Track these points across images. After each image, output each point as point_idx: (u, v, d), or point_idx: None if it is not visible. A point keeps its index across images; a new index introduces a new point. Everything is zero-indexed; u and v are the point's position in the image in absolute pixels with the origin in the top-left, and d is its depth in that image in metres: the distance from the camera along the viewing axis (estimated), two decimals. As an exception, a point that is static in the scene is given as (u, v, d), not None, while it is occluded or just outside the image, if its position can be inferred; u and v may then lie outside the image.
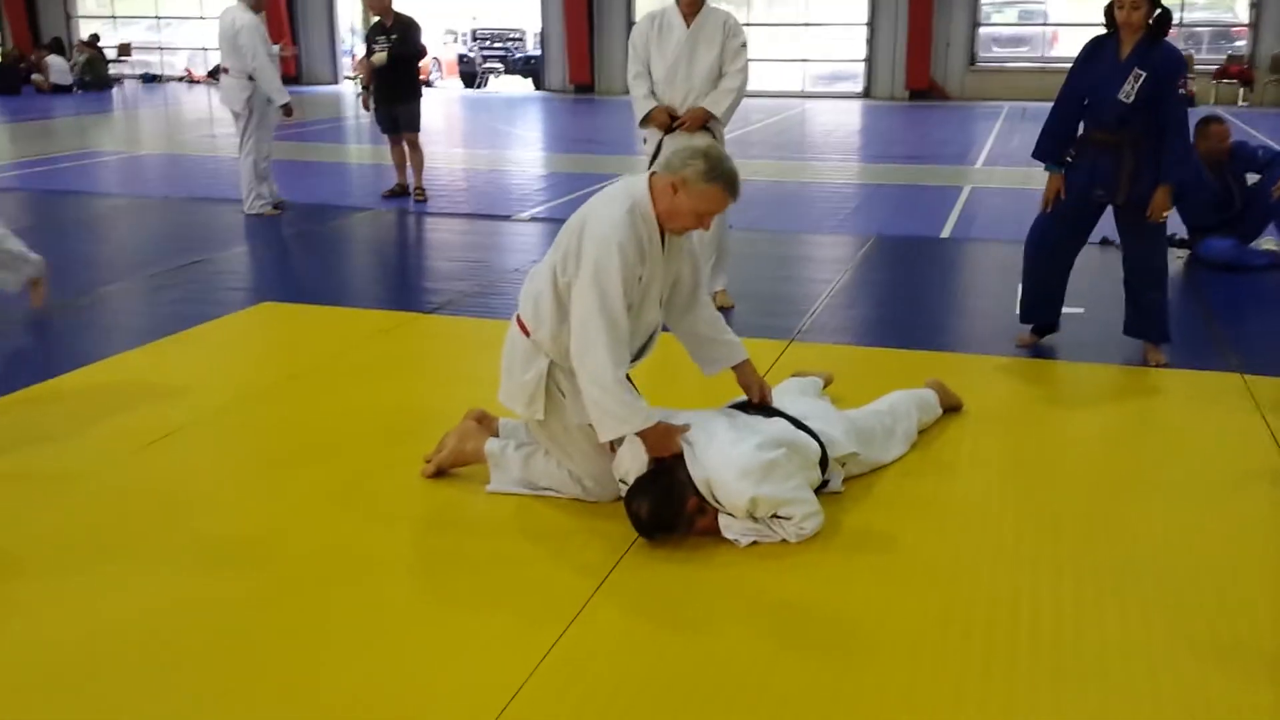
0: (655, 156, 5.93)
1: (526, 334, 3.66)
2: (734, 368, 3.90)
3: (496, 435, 3.99)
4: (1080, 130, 5.27)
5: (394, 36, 9.73)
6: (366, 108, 10.32)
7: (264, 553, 3.46)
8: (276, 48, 9.75)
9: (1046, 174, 5.38)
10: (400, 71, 9.87)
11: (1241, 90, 21.12)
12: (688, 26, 5.91)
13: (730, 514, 3.45)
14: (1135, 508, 3.81)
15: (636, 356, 3.70)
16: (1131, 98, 4.98)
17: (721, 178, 3.48)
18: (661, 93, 6.02)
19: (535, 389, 3.63)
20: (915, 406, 4.37)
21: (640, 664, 2.88)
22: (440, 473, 3.97)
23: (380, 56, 9.73)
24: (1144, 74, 4.95)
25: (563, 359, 3.57)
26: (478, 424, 4.02)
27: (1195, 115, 8.20)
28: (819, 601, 3.19)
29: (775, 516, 3.46)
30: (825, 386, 4.67)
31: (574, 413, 3.62)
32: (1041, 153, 5.36)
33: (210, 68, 28.08)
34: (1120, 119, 5.06)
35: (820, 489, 3.72)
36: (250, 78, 9.06)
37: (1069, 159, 5.26)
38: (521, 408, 3.68)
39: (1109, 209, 5.32)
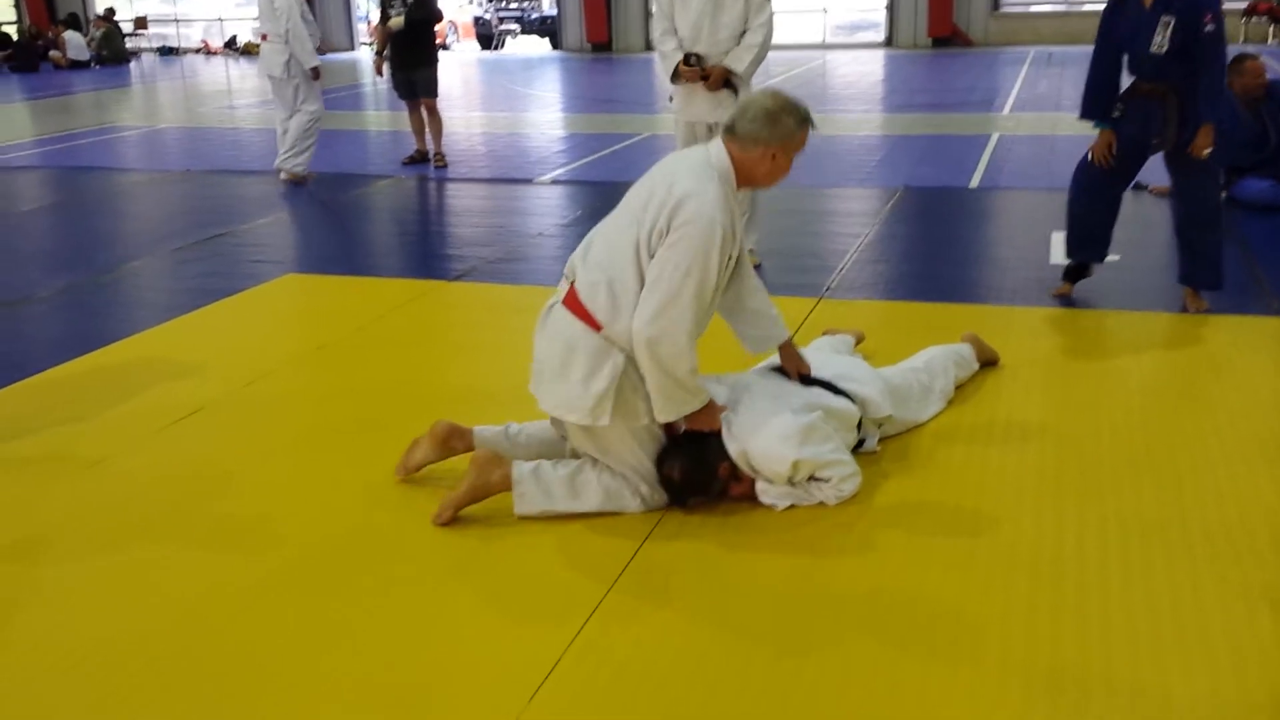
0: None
1: (595, 327, 3.27)
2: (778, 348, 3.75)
3: (471, 447, 3.61)
4: (1127, 81, 5.13)
5: (410, 1, 9.62)
6: (380, 73, 10.23)
7: (290, 534, 3.42)
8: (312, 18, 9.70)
9: (1095, 129, 5.23)
10: (417, 36, 9.77)
11: (1271, 27, 20.69)
12: (710, -16, 5.79)
13: (769, 480, 3.39)
14: (1181, 459, 3.71)
15: None
16: (1164, 48, 4.84)
17: (807, 121, 3.37)
18: (687, 49, 5.92)
19: (606, 392, 3.25)
20: (952, 363, 4.29)
21: (671, 640, 2.82)
22: (456, 517, 3.42)
23: (397, 21, 9.62)
24: (1171, 20, 4.80)
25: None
26: (492, 454, 3.46)
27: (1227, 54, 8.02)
28: (856, 570, 3.12)
29: (813, 479, 3.40)
30: (857, 345, 4.59)
31: (645, 412, 3.34)
32: (1087, 111, 5.22)
33: (227, 39, 28.05)
34: (1158, 68, 4.92)
35: (856, 449, 3.65)
36: (288, 42, 9.06)
37: (1118, 113, 5.11)
38: (584, 415, 3.28)
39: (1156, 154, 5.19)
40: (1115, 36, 5.06)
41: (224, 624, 2.94)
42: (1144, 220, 5.65)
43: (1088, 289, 5.52)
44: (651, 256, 3.22)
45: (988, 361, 4.52)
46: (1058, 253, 6.26)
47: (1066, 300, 5.46)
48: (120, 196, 9.41)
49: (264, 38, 9.31)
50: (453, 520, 3.40)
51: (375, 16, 11.33)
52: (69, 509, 3.61)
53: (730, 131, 3.35)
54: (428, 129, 10.14)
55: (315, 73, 9.23)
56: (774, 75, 17.03)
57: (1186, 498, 3.45)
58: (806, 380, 3.71)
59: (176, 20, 29.75)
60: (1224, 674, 2.60)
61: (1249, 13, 20.74)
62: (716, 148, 3.38)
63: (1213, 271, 5.22)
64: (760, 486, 3.41)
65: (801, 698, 2.57)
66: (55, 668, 2.78)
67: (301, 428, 4.26)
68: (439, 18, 10.17)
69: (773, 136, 3.31)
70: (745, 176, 3.38)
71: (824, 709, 2.53)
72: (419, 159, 10.25)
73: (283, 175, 9.43)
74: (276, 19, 9.04)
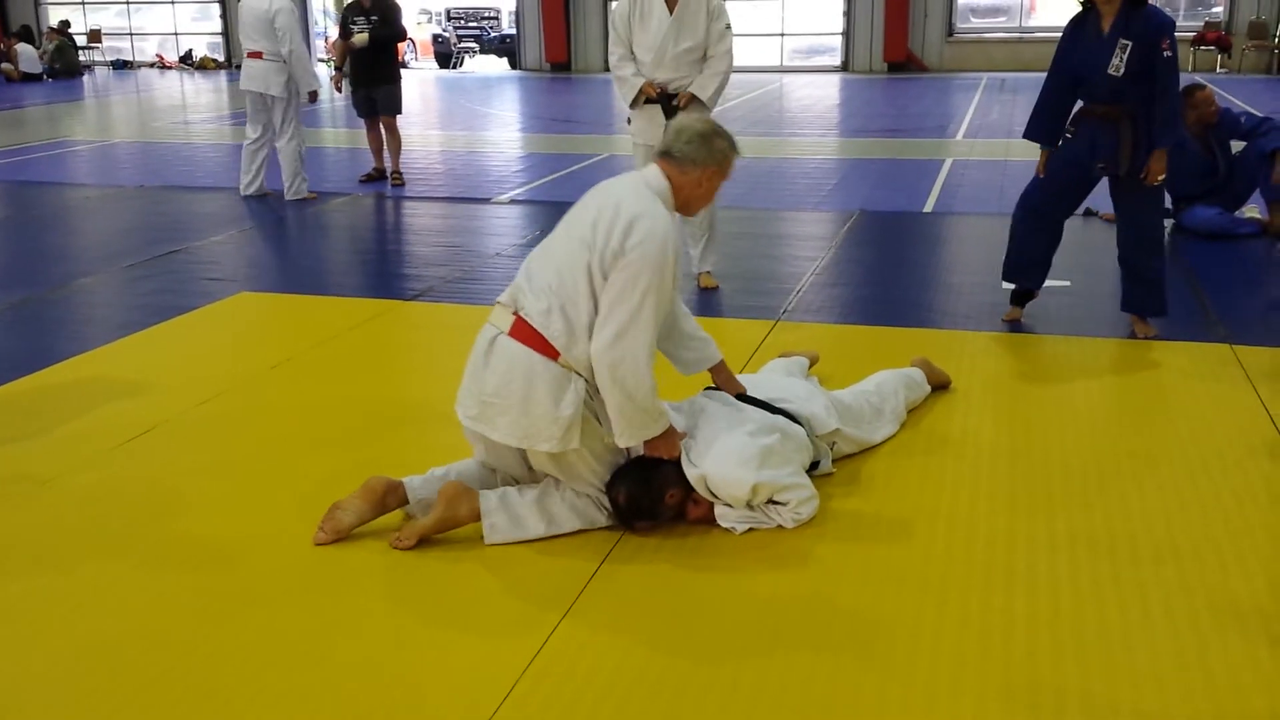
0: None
1: (552, 354, 3.25)
2: (711, 369, 3.77)
3: (405, 501, 3.48)
4: (1078, 104, 5.21)
5: (374, 17, 9.61)
6: (339, 90, 10.20)
7: (242, 555, 3.38)
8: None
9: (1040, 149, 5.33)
10: (380, 53, 9.76)
11: (1219, 57, 21.12)
12: (670, 10, 5.85)
13: (728, 505, 3.41)
14: (1131, 483, 3.78)
15: None
16: (1121, 70, 4.92)
17: (736, 145, 3.47)
18: (647, 75, 5.97)
19: (574, 418, 3.24)
20: (903, 385, 4.33)
21: (628, 665, 2.82)
22: (422, 541, 3.38)
23: (361, 38, 9.59)
24: (1129, 44, 4.89)
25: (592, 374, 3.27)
26: (461, 487, 3.41)
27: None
28: (813, 593, 3.14)
29: (771, 502, 3.42)
30: (811, 366, 4.63)
31: (607, 430, 3.36)
32: (1032, 133, 5.32)
33: (182, 53, 27.85)
34: (1114, 92, 5.00)
35: (811, 471, 3.68)
36: (285, 61, 8.98)
37: (1068, 135, 5.20)
38: (554, 444, 3.26)
39: (1103, 180, 5.28)
40: (1071, 61, 5.13)
41: (176, 644, 2.91)
42: (1094, 247, 5.75)
43: (1039, 315, 5.61)
44: (605, 279, 3.22)
45: (939, 385, 4.57)
46: (1010, 278, 6.35)
47: (1017, 325, 5.53)
48: (72, 212, 9.31)
49: (254, 55, 9.02)
50: (413, 546, 3.37)
51: (334, 32, 11.28)
52: (19, 528, 3.56)
53: (667, 155, 3.41)
54: (386, 147, 10.12)
55: (313, 96, 9.16)
56: (731, 99, 17.14)
57: (1134, 517, 3.51)
58: (742, 399, 3.74)
59: (131, 34, 29.45)
60: (1171, 687, 2.65)
61: (1197, 41, 21.16)
62: (652, 172, 3.42)
63: (1156, 298, 5.31)
64: (719, 510, 3.43)
65: None
66: (4, 687, 2.73)
67: (255, 447, 4.23)
68: (403, 36, 10.18)
69: (709, 159, 3.39)
70: (681, 200, 3.43)
71: (779, 730, 2.55)
72: (376, 177, 10.23)
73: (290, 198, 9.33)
74: (278, 39, 8.89)
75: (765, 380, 4.05)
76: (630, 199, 3.30)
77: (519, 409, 3.26)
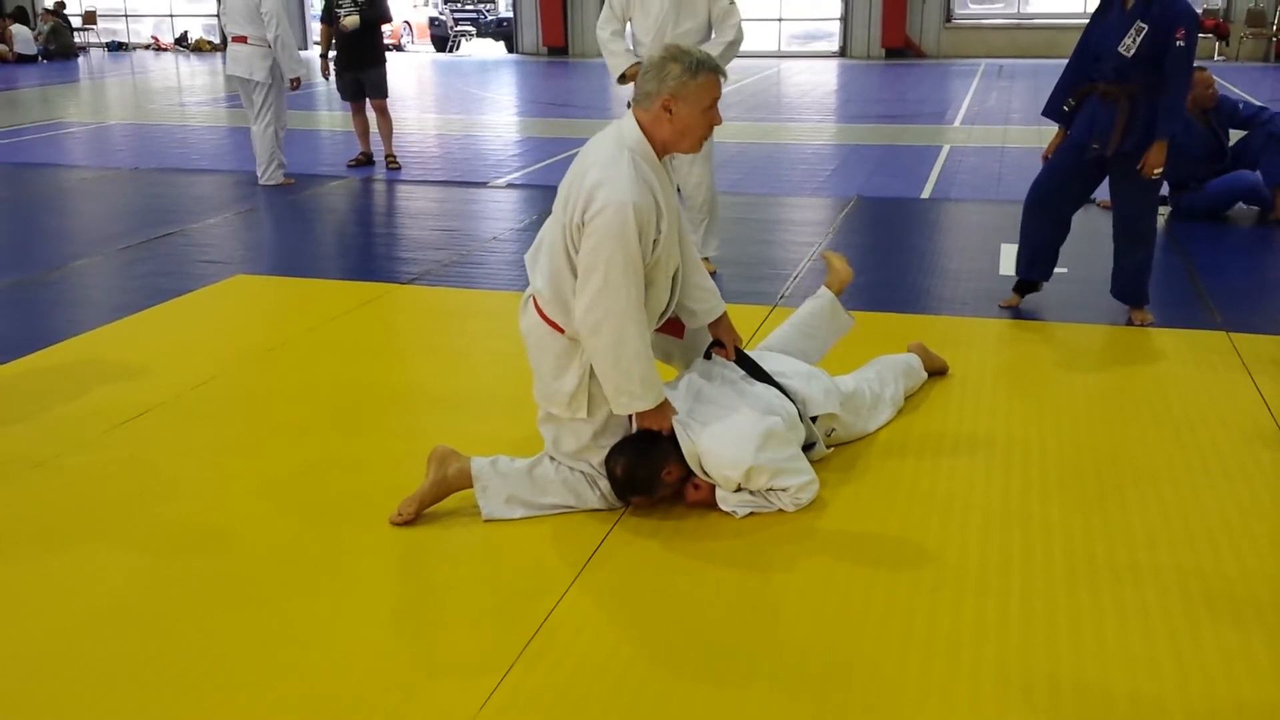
0: None
1: (559, 329, 3.34)
2: (712, 323, 3.73)
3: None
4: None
5: (362, 1, 9.56)
6: (325, 75, 10.14)
7: (237, 538, 3.38)
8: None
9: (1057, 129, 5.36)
10: (368, 36, 9.72)
11: (1217, 44, 21.07)
12: (671, -11, 5.83)
13: (722, 487, 3.40)
14: (1127, 472, 3.77)
15: (664, 310, 3.52)
16: (1131, 51, 4.91)
17: (703, 66, 3.23)
18: (647, 55, 5.94)
19: (576, 390, 3.35)
20: (901, 372, 4.33)
21: (626, 645, 2.83)
22: (419, 515, 3.44)
23: (352, 20, 9.54)
24: (1145, 27, 4.88)
25: None
26: (449, 450, 3.51)
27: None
28: (812, 577, 3.14)
29: (771, 489, 3.42)
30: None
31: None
32: (1050, 110, 5.35)
33: (177, 35, 27.74)
34: (1118, 72, 4.99)
35: (805, 452, 3.65)
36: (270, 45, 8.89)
37: (1065, 108, 5.21)
38: (562, 409, 3.40)
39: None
40: (1092, 38, 5.14)
41: (167, 628, 2.90)
42: (1092, 234, 5.75)
43: (1036, 301, 5.60)
44: (578, 251, 3.23)
45: (936, 371, 4.57)
46: (1006, 264, 6.35)
47: (1015, 312, 5.53)
48: (67, 194, 9.27)
49: (239, 39, 8.94)
50: (415, 519, 3.40)
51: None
52: (13, 509, 3.56)
53: (635, 98, 3.32)
54: (377, 130, 10.07)
55: (296, 83, 9.08)
56: (729, 83, 17.10)
57: (1129, 507, 3.51)
58: (744, 363, 3.72)
59: (126, 15, 29.34)
60: (1166, 676, 2.65)
61: (1195, 30, 21.07)
62: (627, 120, 3.33)
63: (1138, 288, 5.34)
64: (720, 494, 3.42)
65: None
66: (-3, 673, 2.73)
67: (250, 431, 4.22)
68: (389, 18, 10.14)
69: (661, 87, 3.21)
70: (658, 141, 3.29)
71: None
72: (364, 161, 10.18)
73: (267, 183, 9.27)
74: (263, 24, 8.80)
75: (767, 357, 4.02)
76: (597, 165, 3.22)
77: (535, 375, 3.46)
